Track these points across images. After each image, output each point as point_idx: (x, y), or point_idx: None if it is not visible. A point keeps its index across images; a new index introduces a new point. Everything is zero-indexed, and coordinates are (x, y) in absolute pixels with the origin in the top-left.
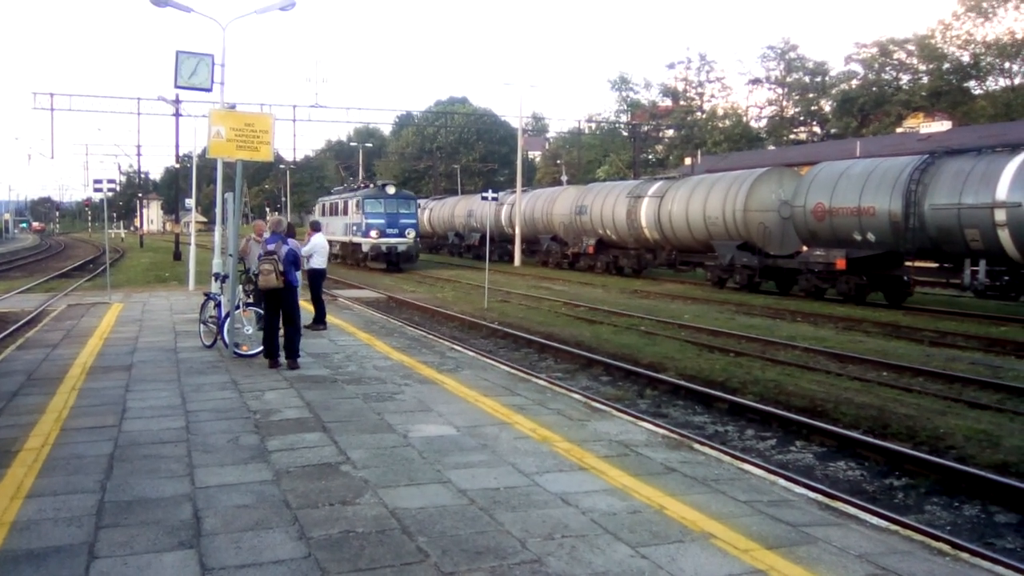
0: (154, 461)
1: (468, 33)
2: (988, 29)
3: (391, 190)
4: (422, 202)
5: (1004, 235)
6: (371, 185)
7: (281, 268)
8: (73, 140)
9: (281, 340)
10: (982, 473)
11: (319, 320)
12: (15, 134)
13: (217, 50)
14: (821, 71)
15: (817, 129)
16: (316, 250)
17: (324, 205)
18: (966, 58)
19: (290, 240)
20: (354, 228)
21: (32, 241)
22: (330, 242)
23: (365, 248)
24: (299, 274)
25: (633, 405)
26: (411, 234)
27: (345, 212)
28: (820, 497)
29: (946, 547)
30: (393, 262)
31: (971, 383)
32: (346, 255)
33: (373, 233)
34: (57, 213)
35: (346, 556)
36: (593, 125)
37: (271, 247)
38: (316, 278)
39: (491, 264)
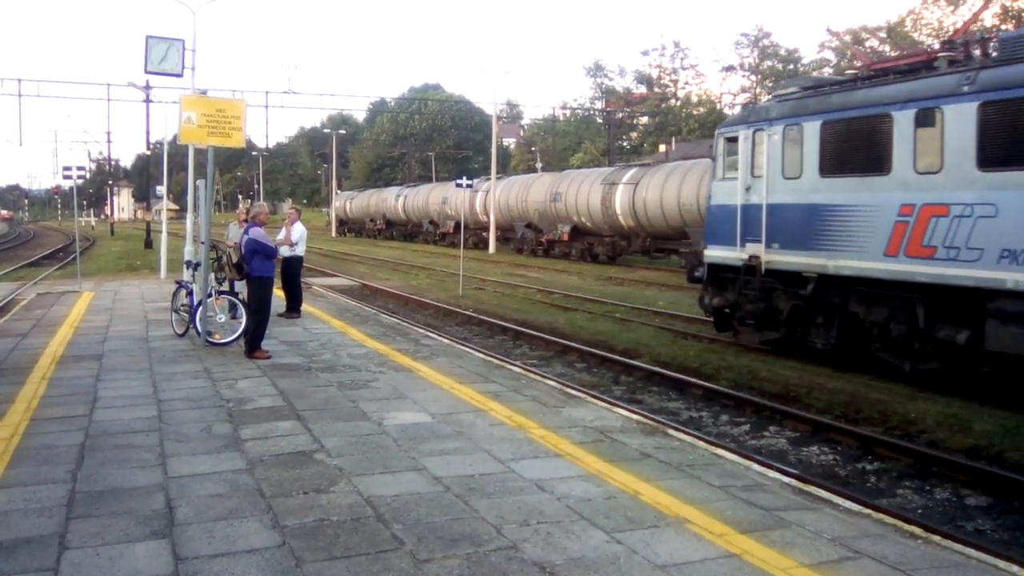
0: (126, 451)
1: (442, 19)
2: (957, 16)
3: None
4: (396, 190)
5: None
6: None
7: (234, 260)
8: (42, 127)
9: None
10: (953, 458)
11: (293, 308)
12: None
13: (188, 35)
14: (794, 58)
15: None
16: (301, 237)
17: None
18: (936, 46)
19: (252, 230)
20: None
21: (0, 230)
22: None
23: None
24: (273, 263)
25: (608, 391)
26: None
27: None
28: (794, 482)
29: (918, 530)
30: None
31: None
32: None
33: None
34: (26, 201)
35: (321, 544)
36: (568, 112)
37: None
38: (294, 265)
39: (466, 251)
